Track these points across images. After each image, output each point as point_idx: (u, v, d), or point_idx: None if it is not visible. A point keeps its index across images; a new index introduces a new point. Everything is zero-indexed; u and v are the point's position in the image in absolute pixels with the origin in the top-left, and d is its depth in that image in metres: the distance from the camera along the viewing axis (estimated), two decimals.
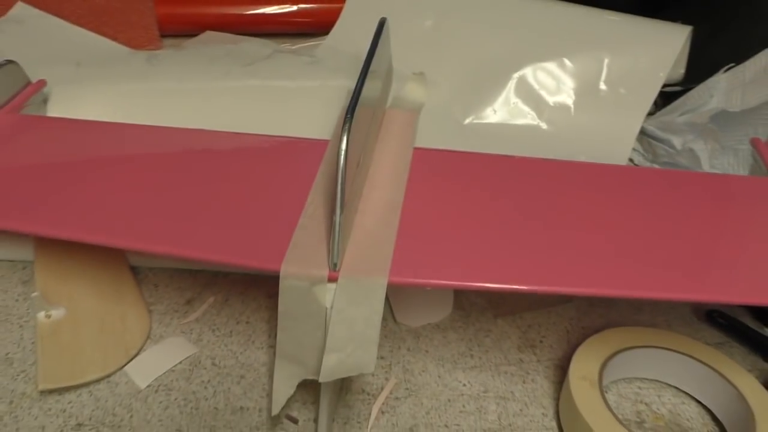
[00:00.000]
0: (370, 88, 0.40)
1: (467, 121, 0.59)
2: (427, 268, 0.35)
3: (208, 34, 0.65)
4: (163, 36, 0.65)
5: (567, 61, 0.59)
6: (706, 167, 0.52)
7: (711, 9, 0.66)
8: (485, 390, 0.40)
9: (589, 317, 0.46)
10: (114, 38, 0.61)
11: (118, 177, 0.41)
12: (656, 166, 0.57)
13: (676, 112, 0.56)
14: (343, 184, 0.33)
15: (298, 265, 0.34)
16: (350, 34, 0.65)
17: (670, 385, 0.42)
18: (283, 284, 0.34)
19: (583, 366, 0.39)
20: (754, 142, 0.45)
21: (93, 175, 0.41)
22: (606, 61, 0.58)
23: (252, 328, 0.42)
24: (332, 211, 0.35)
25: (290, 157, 0.44)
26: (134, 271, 0.44)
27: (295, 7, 0.69)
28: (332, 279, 0.34)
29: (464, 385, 0.40)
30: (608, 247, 0.37)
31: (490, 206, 0.40)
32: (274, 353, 0.40)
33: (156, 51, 0.61)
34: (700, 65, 0.61)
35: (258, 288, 0.45)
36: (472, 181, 0.42)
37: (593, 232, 0.38)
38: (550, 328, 0.45)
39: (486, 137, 0.58)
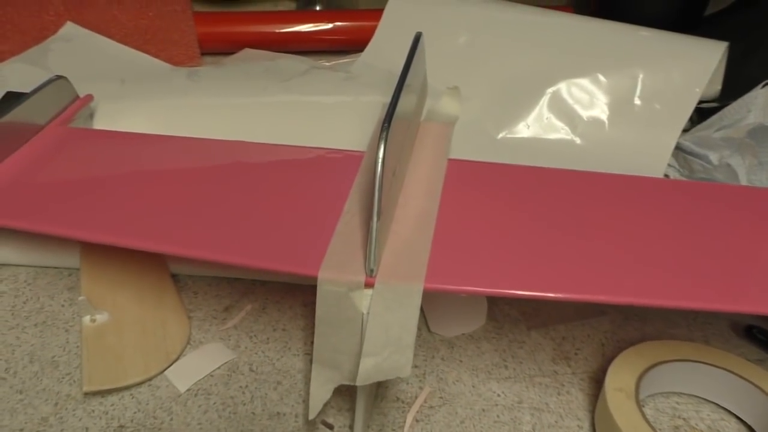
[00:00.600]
0: (406, 101, 0.41)
1: (500, 135, 0.60)
2: (461, 276, 0.36)
3: (247, 52, 0.67)
4: (204, 54, 0.67)
5: (601, 77, 0.59)
6: (744, 182, 0.52)
7: (746, 26, 0.66)
8: (519, 401, 0.40)
9: (624, 330, 0.45)
10: (156, 56, 0.63)
11: (161, 186, 0.42)
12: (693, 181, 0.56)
13: (713, 128, 0.56)
14: (380, 191, 0.34)
15: (336, 271, 0.35)
16: (385, 50, 0.66)
17: (708, 401, 0.41)
18: (320, 290, 0.35)
19: (620, 377, 0.38)
20: None
21: (137, 185, 0.42)
22: (640, 76, 0.59)
23: (288, 336, 0.43)
24: (369, 219, 0.36)
25: (327, 167, 0.45)
26: (174, 278, 0.45)
27: (330, 25, 0.70)
28: (369, 285, 0.35)
29: (498, 395, 0.40)
30: (642, 257, 0.37)
31: (522, 216, 0.40)
32: (310, 360, 0.41)
33: (197, 68, 0.63)
34: (737, 82, 0.61)
35: (294, 297, 0.45)
36: (505, 192, 0.43)
37: (626, 243, 0.38)
38: (584, 341, 0.44)
39: (519, 151, 0.59)
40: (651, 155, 0.58)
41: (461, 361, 0.42)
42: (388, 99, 0.59)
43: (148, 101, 0.57)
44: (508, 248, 0.37)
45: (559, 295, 0.34)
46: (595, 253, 0.37)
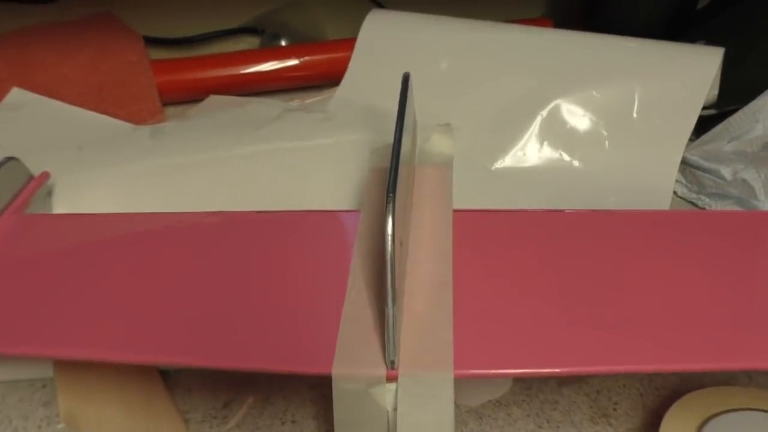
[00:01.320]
0: (403, 153, 0.37)
1: (495, 166, 0.56)
2: (494, 355, 0.31)
3: (213, 99, 0.62)
4: (165, 104, 0.62)
5: (595, 94, 0.56)
6: (761, 197, 0.49)
7: (736, 26, 0.64)
8: None
9: (662, 376, 0.42)
10: (115, 115, 0.58)
11: (137, 281, 0.37)
12: (704, 197, 0.53)
13: (720, 140, 0.53)
14: (392, 273, 0.29)
15: (351, 366, 0.31)
16: (361, 84, 0.62)
17: None
18: (336, 388, 0.30)
19: None
20: None
21: (108, 281, 0.37)
22: (637, 90, 0.55)
23: (299, 428, 0.38)
24: (382, 302, 0.32)
25: (319, 234, 0.40)
26: (163, 375, 0.40)
27: (297, 61, 0.66)
28: (391, 378, 0.30)
29: None
30: (690, 311, 0.33)
31: (548, 273, 0.36)
32: None
33: (160, 124, 0.58)
34: (733, 85, 0.58)
35: (299, 380, 0.41)
36: (523, 244, 0.39)
37: (670, 295, 0.34)
38: (621, 393, 0.41)
39: (517, 182, 0.55)
40: (657, 173, 0.54)
41: None
42: (372, 136, 0.56)
43: (109, 168, 0.52)
44: (539, 314, 0.33)
45: (609, 368, 0.31)
46: (637, 311, 0.33)
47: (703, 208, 0.53)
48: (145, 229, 0.42)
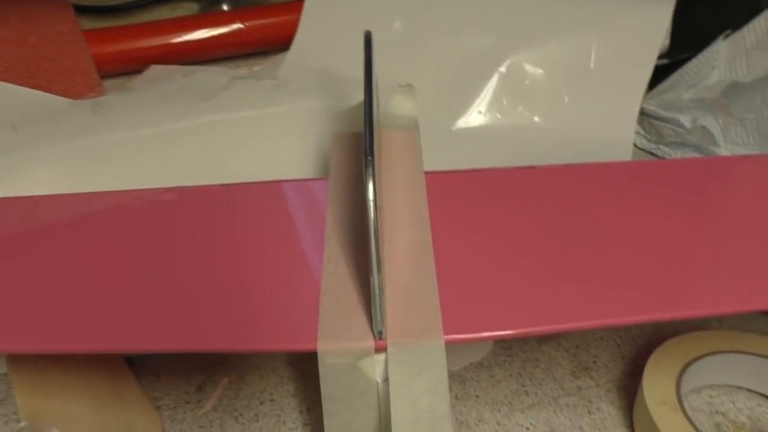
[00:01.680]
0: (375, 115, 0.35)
1: (455, 126, 0.55)
2: (482, 318, 0.31)
3: (154, 69, 0.58)
4: (103, 77, 0.58)
5: (552, 48, 0.55)
6: (720, 143, 0.49)
7: None
8: (551, 430, 0.36)
9: (637, 326, 0.42)
10: (49, 90, 0.54)
11: (90, 264, 0.34)
12: (663, 147, 0.54)
13: (677, 89, 0.53)
14: (377, 239, 0.28)
15: (337, 339, 0.29)
16: (312, 48, 0.60)
17: (740, 388, 0.38)
18: (322, 364, 0.29)
19: (658, 389, 0.35)
20: None
21: (59, 266, 0.34)
22: (593, 43, 0.55)
23: (279, 407, 0.37)
24: (363, 271, 0.31)
25: (286, 205, 0.38)
26: (129, 362, 0.38)
27: (242, 26, 0.63)
28: (379, 349, 0.29)
29: (527, 428, 0.36)
30: (666, 260, 0.33)
31: (527, 231, 0.35)
32: None
33: (100, 98, 0.54)
34: (684, 34, 0.58)
35: (274, 358, 0.39)
36: (497, 203, 0.38)
37: (645, 246, 0.34)
38: (599, 346, 0.41)
39: (479, 142, 0.54)
40: (616, 125, 0.54)
41: (477, 397, 0.38)
42: (328, 102, 0.54)
43: (48, 147, 0.49)
44: (521, 273, 0.33)
45: (601, 321, 0.30)
46: (619, 264, 0.33)
47: (663, 158, 0.53)
48: (96, 209, 0.39)
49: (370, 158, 0.29)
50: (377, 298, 0.28)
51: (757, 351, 0.37)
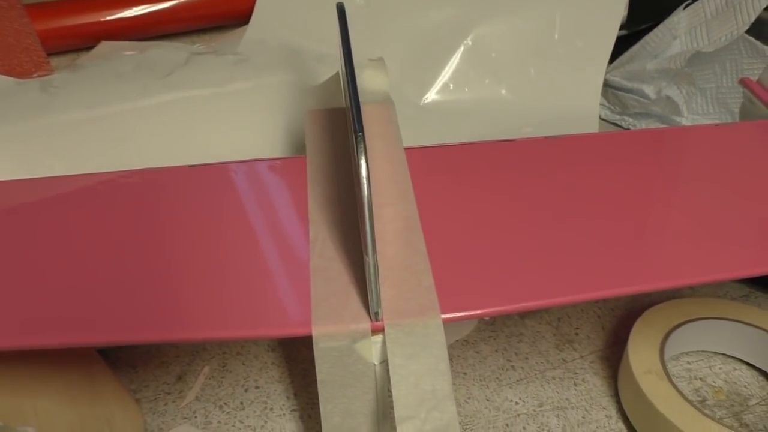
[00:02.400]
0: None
1: (424, 100, 0.54)
2: (477, 294, 0.30)
3: (105, 45, 0.55)
4: (49, 54, 0.55)
5: (516, 20, 0.55)
6: (684, 113, 0.50)
7: None
8: (540, 404, 0.36)
9: (616, 297, 0.42)
10: None
11: (52, 252, 0.32)
12: (627, 117, 0.54)
13: (640, 59, 0.53)
14: (371, 218, 0.27)
15: (332, 322, 0.28)
16: (272, 22, 0.57)
17: (716, 353, 0.39)
18: (318, 348, 0.28)
19: (643, 359, 0.35)
20: (745, 82, 0.43)
21: (18, 256, 0.32)
22: (557, 15, 0.55)
23: (265, 393, 0.36)
24: (352, 251, 0.30)
25: (266, 185, 0.37)
26: (102, 354, 0.36)
27: None
28: (375, 330, 0.28)
29: (517, 403, 0.36)
30: (651, 231, 0.33)
31: (509, 205, 0.35)
32: (301, 417, 0.34)
33: (49, 76, 0.51)
34: (639, 5, 0.59)
35: (256, 343, 0.38)
36: (480, 178, 0.37)
37: (628, 218, 0.34)
38: (580, 318, 0.41)
39: (448, 115, 0.53)
40: (581, 96, 0.55)
41: (465, 374, 0.37)
42: (292, 77, 0.52)
43: None
44: (511, 248, 0.32)
45: (597, 294, 0.30)
46: (605, 236, 0.33)
47: (628, 129, 0.54)
48: (58, 193, 0.37)
49: (360, 134, 0.27)
50: (373, 279, 0.28)
51: (731, 316, 0.38)
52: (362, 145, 0.27)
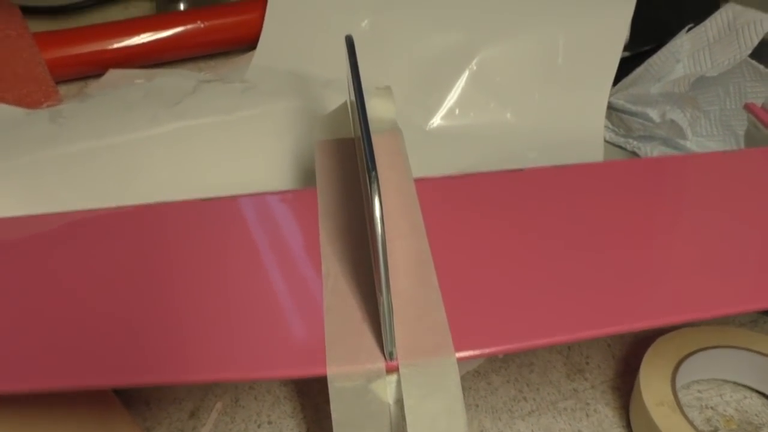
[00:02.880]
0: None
1: (429, 125, 0.54)
2: (490, 331, 0.30)
3: (113, 73, 0.56)
4: (58, 83, 0.55)
5: (520, 44, 0.55)
6: (689, 136, 0.50)
7: None
8: None
9: None
10: (2, 100, 0.50)
11: (60, 291, 0.32)
12: (631, 140, 0.54)
13: (643, 82, 0.54)
14: (385, 257, 0.27)
15: (347, 362, 0.28)
16: (278, 49, 0.58)
17: (726, 381, 0.39)
18: (333, 388, 0.28)
19: (655, 389, 0.35)
20: (750, 108, 0.43)
21: (24, 296, 0.32)
22: (560, 38, 0.55)
23: (278, 429, 0.36)
24: (365, 287, 0.31)
25: (276, 218, 0.37)
26: (116, 392, 0.36)
27: (201, 25, 0.60)
28: (390, 369, 0.28)
29: None
30: (665, 262, 0.33)
31: (521, 237, 0.35)
32: None
33: (58, 106, 0.51)
34: (640, 26, 0.59)
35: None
36: (489, 209, 0.37)
37: (643, 248, 0.34)
38: (590, 346, 0.41)
39: (454, 140, 0.54)
40: (586, 120, 0.55)
41: (477, 406, 0.37)
42: (300, 103, 0.52)
43: (6, 162, 0.46)
44: (524, 282, 0.32)
45: (612, 329, 0.30)
46: (619, 268, 0.33)
47: (633, 152, 0.54)
48: (67, 230, 0.37)
49: (374, 173, 0.28)
50: (387, 318, 0.28)
51: (741, 344, 0.38)
52: (376, 184, 0.27)
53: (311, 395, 0.37)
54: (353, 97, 0.38)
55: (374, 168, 0.28)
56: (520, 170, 0.40)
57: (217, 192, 0.40)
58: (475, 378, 0.39)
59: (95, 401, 0.34)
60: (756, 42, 0.49)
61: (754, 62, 0.50)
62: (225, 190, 0.40)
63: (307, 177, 0.48)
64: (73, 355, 0.29)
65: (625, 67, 0.57)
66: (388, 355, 0.28)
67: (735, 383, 0.39)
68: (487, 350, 0.29)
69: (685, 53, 0.53)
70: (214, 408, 0.36)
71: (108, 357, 0.30)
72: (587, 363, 0.40)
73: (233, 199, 0.38)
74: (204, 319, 0.31)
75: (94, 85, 0.55)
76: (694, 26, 0.53)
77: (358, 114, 0.33)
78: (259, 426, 0.36)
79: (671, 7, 0.62)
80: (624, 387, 0.39)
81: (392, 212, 0.36)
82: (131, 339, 0.30)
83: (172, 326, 0.31)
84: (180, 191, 0.44)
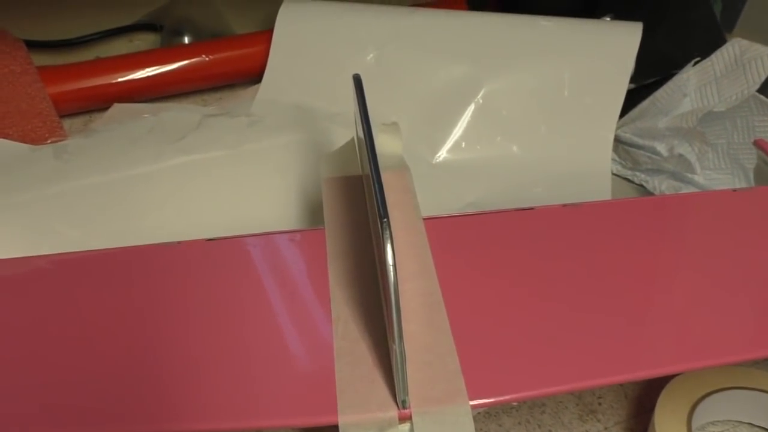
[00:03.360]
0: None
1: (435, 159, 0.54)
2: (503, 378, 0.30)
3: (118, 108, 0.56)
4: (62, 117, 0.55)
5: (526, 78, 0.55)
6: (698, 170, 0.50)
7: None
8: None
9: None
10: (6, 136, 0.50)
11: (58, 339, 0.32)
12: (639, 173, 0.54)
13: (649, 116, 0.53)
14: (398, 305, 0.27)
15: (359, 410, 0.28)
16: (284, 82, 0.58)
17: (741, 422, 0.39)
18: None
19: None
20: (760, 144, 0.43)
21: (30, 341, 0.32)
22: (566, 70, 0.55)
23: None
24: (376, 332, 0.30)
25: (284, 259, 0.36)
26: None
27: (207, 59, 0.60)
28: (403, 418, 0.28)
29: None
30: (682, 306, 0.33)
31: (533, 278, 0.35)
32: None
33: (63, 142, 0.51)
34: (644, 59, 0.59)
35: None
36: (499, 249, 0.37)
37: (659, 291, 0.34)
38: (603, 387, 0.40)
39: (460, 174, 0.53)
40: (592, 152, 0.54)
41: None
42: (305, 137, 0.52)
43: (10, 198, 0.46)
44: (537, 326, 0.32)
45: (627, 376, 0.30)
46: (634, 312, 0.33)
47: (641, 185, 0.54)
48: (69, 273, 0.36)
49: (386, 220, 0.27)
50: (400, 367, 0.27)
51: (755, 386, 0.38)
52: (388, 232, 0.27)
53: None
54: (360, 134, 0.38)
55: (386, 215, 0.28)
56: (531, 209, 0.40)
57: (222, 229, 0.39)
58: (486, 419, 0.38)
59: None
60: (764, 77, 0.49)
61: (762, 97, 0.50)
62: (230, 225, 0.40)
63: (313, 213, 0.48)
64: (72, 405, 0.29)
65: (631, 99, 0.57)
66: (401, 404, 0.28)
67: (750, 424, 0.39)
68: (501, 398, 0.29)
69: (692, 87, 0.53)
70: None
71: (111, 404, 0.29)
72: (600, 404, 0.39)
73: (239, 239, 0.37)
74: (210, 365, 0.30)
75: (99, 120, 0.55)
76: (700, 60, 0.53)
77: (368, 156, 0.32)
78: None
79: (676, 40, 0.62)
80: (638, 428, 0.38)
81: (401, 253, 0.36)
82: (135, 386, 0.30)
83: (178, 373, 0.30)
84: (185, 227, 0.43)
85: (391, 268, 0.27)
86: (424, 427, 0.27)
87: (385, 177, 0.42)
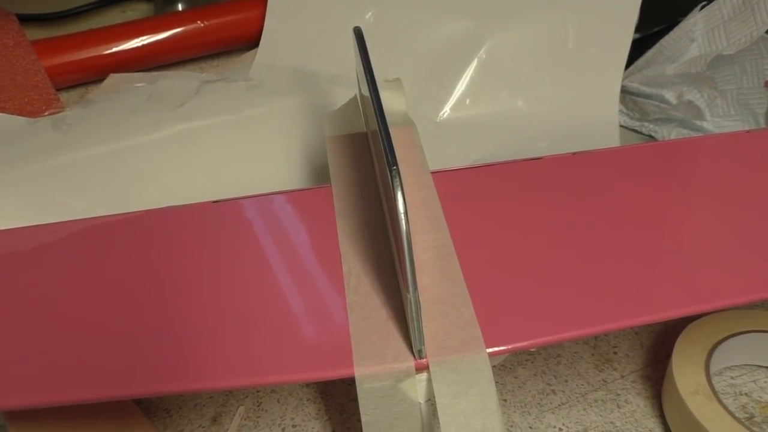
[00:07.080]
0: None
1: (440, 117, 0.53)
2: (522, 324, 0.29)
3: (114, 78, 0.55)
4: (58, 90, 0.54)
5: (529, 31, 0.54)
6: (707, 117, 0.49)
7: None
8: (585, 429, 0.35)
9: None
10: (3, 110, 0.49)
11: (76, 302, 0.32)
12: (647, 124, 0.53)
13: (657, 64, 0.52)
14: (411, 254, 0.26)
15: (375, 362, 0.27)
16: (281, 45, 0.57)
17: (759, 366, 0.38)
18: (361, 389, 0.27)
19: (689, 379, 0.34)
20: None
21: (41, 308, 0.31)
22: (570, 22, 0.54)
23: (303, 431, 0.35)
24: (388, 285, 0.29)
25: (293, 217, 0.36)
26: (136, 401, 0.35)
27: (201, 25, 0.59)
28: (420, 368, 0.27)
29: (560, 429, 0.35)
30: (692, 249, 0.32)
31: (543, 227, 0.34)
32: None
33: (61, 114, 0.50)
34: (649, 8, 0.58)
35: None
36: (510, 201, 0.36)
37: (669, 236, 0.33)
38: (617, 335, 0.40)
39: (466, 131, 0.53)
40: (599, 104, 0.54)
41: (505, 401, 0.36)
42: (305, 100, 0.51)
43: (11, 172, 0.45)
44: (549, 274, 0.31)
45: (642, 319, 0.29)
46: (644, 256, 0.32)
47: (649, 135, 0.53)
48: (78, 239, 0.36)
49: (395, 168, 0.27)
50: (415, 316, 0.27)
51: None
52: (398, 179, 0.26)
53: (335, 396, 0.36)
54: (364, 91, 0.37)
55: (395, 163, 0.27)
56: (539, 158, 0.39)
57: (226, 193, 0.39)
58: (502, 372, 0.38)
59: (115, 411, 0.33)
60: None
61: None
62: (234, 191, 0.39)
63: (318, 174, 0.47)
64: (88, 367, 0.29)
65: (637, 50, 0.56)
66: (417, 354, 0.27)
67: None
68: (518, 345, 0.28)
69: (700, 32, 0.51)
70: (237, 413, 0.35)
71: (124, 367, 0.29)
72: (615, 353, 0.39)
73: (246, 199, 0.37)
74: (223, 325, 0.30)
75: (95, 91, 0.54)
76: (706, 4, 0.52)
77: (373, 108, 0.32)
78: (283, 429, 0.35)
79: None
80: (654, 376, 0.38)
81: (412, 207, 0.35)
82: (148, 348, 0.29)
83: (191, 333, 0.30)
84: (188, 194, 0.43)
85: (402, 216, 0.26)
86: (441, 376, 0.27)
87: (392, 133, 0.41)
